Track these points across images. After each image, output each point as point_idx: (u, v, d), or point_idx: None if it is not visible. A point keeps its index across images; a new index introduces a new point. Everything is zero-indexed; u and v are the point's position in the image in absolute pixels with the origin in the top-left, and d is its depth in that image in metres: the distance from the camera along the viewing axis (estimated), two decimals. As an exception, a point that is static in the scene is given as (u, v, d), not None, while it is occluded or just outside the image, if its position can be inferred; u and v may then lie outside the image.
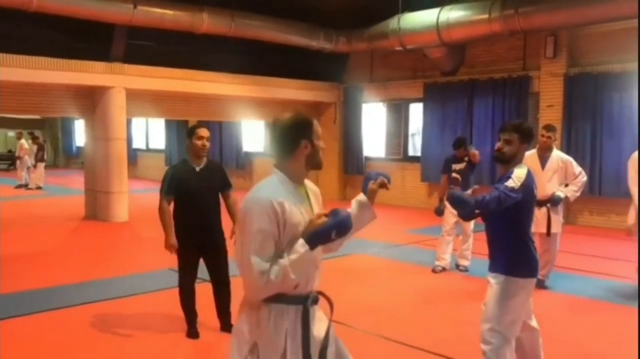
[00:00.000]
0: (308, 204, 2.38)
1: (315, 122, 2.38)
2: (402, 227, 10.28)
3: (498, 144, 3.54)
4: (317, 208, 2.42)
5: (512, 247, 3.44)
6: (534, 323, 3.68)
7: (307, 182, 2.47)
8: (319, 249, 2.30)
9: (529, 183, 3.40)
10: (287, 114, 2.36)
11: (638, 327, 4.24)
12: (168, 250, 4.61)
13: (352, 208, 2.50)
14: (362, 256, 7.95)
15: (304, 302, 2.31)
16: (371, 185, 2.53)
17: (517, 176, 3.37)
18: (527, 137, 3.51)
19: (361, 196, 2.53)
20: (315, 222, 2.28)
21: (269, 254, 2.19)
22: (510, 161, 3.49)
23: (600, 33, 10.28)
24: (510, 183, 3.33)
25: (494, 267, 3.49)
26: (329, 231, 2.25)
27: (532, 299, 3.60)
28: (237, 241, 2.28)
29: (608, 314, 5.51)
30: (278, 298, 2.26)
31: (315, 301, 2.37)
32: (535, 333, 3.71)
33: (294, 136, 2.31)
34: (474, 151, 6.96)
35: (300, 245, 2.22)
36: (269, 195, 2.23)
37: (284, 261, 2.20)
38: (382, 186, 2.54)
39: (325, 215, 2.30)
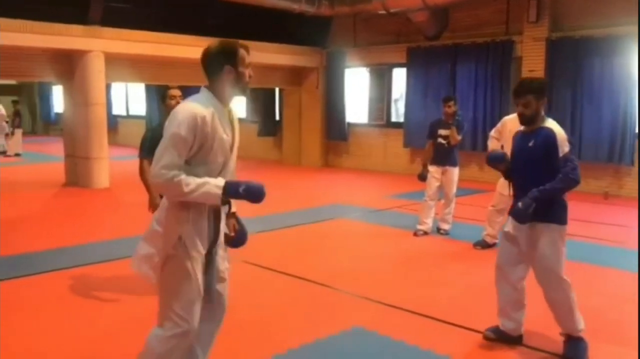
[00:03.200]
0: (231, 125, 2.72)
1: (242, 51, 2.75)
2: (384, 192, 10.33)
3: (518, 110, 3.68)
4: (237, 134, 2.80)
5: (559, 198, 3.66)
6: None
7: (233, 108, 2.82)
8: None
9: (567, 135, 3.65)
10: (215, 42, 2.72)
11: (638, 293, 4.36)
12: (152, 211, 4.57)
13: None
14: (343, 220, 7.99)
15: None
16: None
17: (564, 137, 3.55)
18: (541, 93, 3.65)
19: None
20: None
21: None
22: (535, 120, 3.65)
23: (583, -3, 10.27)
24: (568, 148, 3.53)
25: (545, 217, 3.61)
26: (239, 186, 2.60)
27: None
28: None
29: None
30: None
31: (225, 203, 2.74)
32: None
33: (218, 61, 2.67)
34: (457, 136, 6.89)
35: (216, 185, 2.57)
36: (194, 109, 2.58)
37: (197, 179, 2.56)
38: None
39: None
